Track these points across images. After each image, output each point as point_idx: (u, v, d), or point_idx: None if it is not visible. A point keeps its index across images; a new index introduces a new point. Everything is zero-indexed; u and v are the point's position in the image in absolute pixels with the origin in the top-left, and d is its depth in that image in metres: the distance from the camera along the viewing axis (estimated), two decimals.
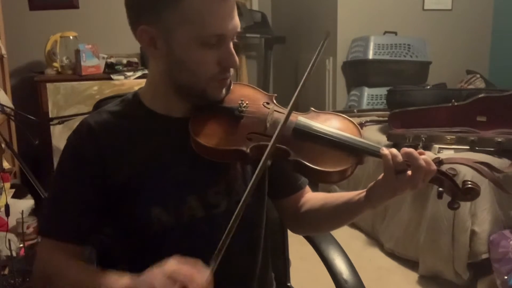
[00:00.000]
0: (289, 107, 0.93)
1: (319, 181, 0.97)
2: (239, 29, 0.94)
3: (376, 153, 0.91)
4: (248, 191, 0.84)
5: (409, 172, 0.88)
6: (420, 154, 0.89)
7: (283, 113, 0.97)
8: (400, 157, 0.88)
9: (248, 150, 0.92)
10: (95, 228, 1.00)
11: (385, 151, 0.90)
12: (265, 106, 1.01)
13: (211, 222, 0.97)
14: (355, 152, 0.93)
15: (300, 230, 1.16)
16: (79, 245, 0.98)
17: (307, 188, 1.14)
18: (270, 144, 0.88)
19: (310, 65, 0.94)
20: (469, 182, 0.92)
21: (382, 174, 0.91)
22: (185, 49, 0.91)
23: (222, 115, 0.98)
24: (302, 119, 0.99)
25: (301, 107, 1.06)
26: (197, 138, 0.93)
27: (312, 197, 1.12)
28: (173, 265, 0.80)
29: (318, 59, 0.97)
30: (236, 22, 0.92)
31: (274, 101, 1.04)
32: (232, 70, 0.97)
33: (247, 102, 1.00)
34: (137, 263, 0.98)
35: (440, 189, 0.92)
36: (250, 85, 1.09)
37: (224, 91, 0.99)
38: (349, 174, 0.93)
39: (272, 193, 1.11)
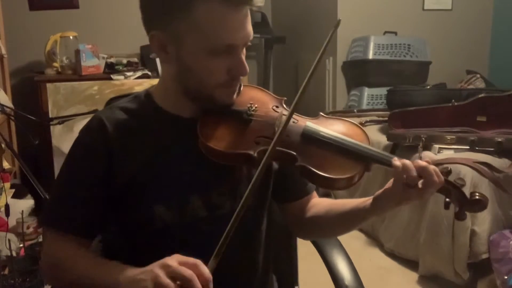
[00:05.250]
0: (291, 108, 0.92)
1: (326, 187, 0.96)
2: (251, 37, 0.94)
3: (387, 163, 0.91)
4: (246, 195, 0.84)
5: (419, 184, 0.87)
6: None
7: (293, 118, 0.97)
8: (413, 172, 0.87)
9: (255, 154, 0.92)
10: (101, 222, 1.01)
11: (397, 162, 0.89)
12: (274, 110, 1.01)
13: (214, 222, 0.97)
14: (362, 159, 0.93)
15: (304, 235, 1.16)
16: (85, 238, 1.00)
17: (314, 193, 1.13)
18: (270, 146, 0.87)
19: (316, 61, 0.95)
20: (477, 194, 0.91)
21: (390, 183, 0.91)
22: (194, 57, 0.92)
23: (231, 118, 0.98)
24: (310, 124, 0.98)
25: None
26: (205, 140, 0.94)
27: (317, 203, 1.11)
28: (176, 261, 0.80)
29: (324, 53, 0.96)
30: (248, 31, 0.93)
31: (284, 105, 1.04)
32: (241, 78, 0.98)
33: (256, 105, 1.00)
34: (140, 260, 0.98)
35: (447, 199, 0.91)
36: (260, 88, 1.08)
37: (235, 95, 0.99)
38: (356, 181, 0.93)
39: (278, 197, 1.11)
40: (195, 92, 0.97)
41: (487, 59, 4.06)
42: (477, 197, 0.91)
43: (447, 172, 0.91)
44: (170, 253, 0.96)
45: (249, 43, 0.96)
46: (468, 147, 2.46)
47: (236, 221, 0.83)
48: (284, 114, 0.99)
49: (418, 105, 2.75)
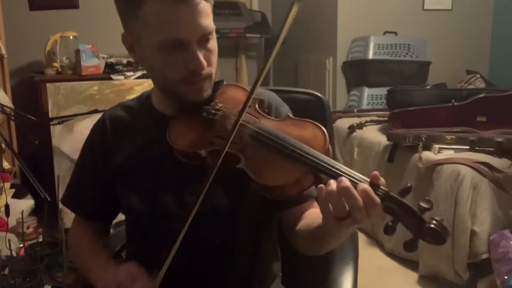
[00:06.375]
0: (241, 111, 0.88)
1: (266, 194, 0.86)
2: (206, 31, 0.92)
3: (331, 175, 0.79)
4: (202, 195, 0.85)
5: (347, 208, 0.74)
6: (374, 179, 0.76)
7: (255, 117, 0.94)
8: (334, 195, 0.74)
9: (205, 154, 0.90)
10: (105, 209, 1.12)
11: (330, 184, 0.75)
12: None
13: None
14: (307, 167, 0.83)
15: (296, 246, 1.04)
16: (90, 220, 1.14)
17: (313, 203, 1.04)
18: (225, 149, 0.85)
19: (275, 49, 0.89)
20: (435, 221, 0.73)
21: None
22: (151, 54, 0.94)
23: (196, 117, 0.98)
24: (263, 125, 0.92)
25: None
26: (169, 138, 0.96)
27: (309, 214, 1.02)
28: (123, 275, 0.89)
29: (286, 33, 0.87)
30: (199, 25, 0.91)
31: (257, 106, 0.98)
32: (207, 72, 0.95)
33: (222, 104, 0.98)
34: (131, 246, 1.12)
35: (390, 223, 0.75)
36: (242, 87, 1.06)
37: (205, 93, 0.97)
38: (300, 190, 0.84)
39: (271, 204, 1.02)
40: (162, 89, 1.01)
41: (487, 59, 4.06)
42: (432, 225, 0.72)
43: (404, 190, 0.76)
44: (146, 242, 1.03)
45: (210, 37, 0.94)
46: (468, 147, 2.46)
47: (183, 227, 0.84)
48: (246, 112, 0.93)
49: (418, 105, 2.75)
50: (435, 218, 0.74)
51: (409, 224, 0.75)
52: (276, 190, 0.84)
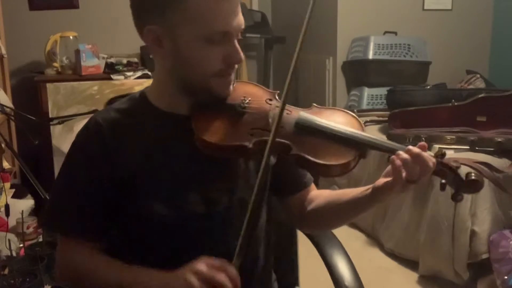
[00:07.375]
0: (282, 99, 0.93)
1: (321, 174, 0.99)
2: (243, 26, 0.96)
3: (387, 150, 0.93)
4: (257, 186, 0.87)
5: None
6: (422, 147, 0.90)
7: (286, 109, 0.98)
8: (411, 161, 0.88)
9: (251, 145, 0.93)
10: (105, 224, 1.00)
11: (398, 159, 0.89)
12: (267, 103, 1.02)
13: (212, 218, 0.97)
14: (357, 146, 0.94)
15: (306, 228, 1.17)
16: (92, 241, 1.00)
17: (313, 186, 1.15)
18: (271, 137, 0.89)
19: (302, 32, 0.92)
20: (473, 174, 0.92)
21: (388, 173, 0.93)
22: (191, 47, 0.92)
23: (225, 112, 0.99)
24: (304, 114, 1.00)
25: (301, 106, 1.05)
26: (200, 134, 0.94)
27: (317, 195, 1.12)
28: (205, 265, 0.84)
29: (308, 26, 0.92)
30: (240, 19, 0.95)
31: (277, 98, 1.05)
32: (236, 67, 0.98)
33: (249, 98, 1.01)
34: (141, 257, 0.98)
35: (443, 181, 0.93)
36: (253, 83, 1.10)
37: (231, 87, 1.00)
38: (352, 167, 0.94)
39: (278, 191, 1.12)
40: (191, 85, 0.97)
41: (487, 59, 4.06)
42: (473, 177, 0.92)
43: (442, 155, 0.94)
44: (169, 249, 0.97)
45: (241, 36, 0.98)
46: (468, 147, 2.46)
47: (251, 218, 0.86)
48: (277, 106, 0.99)
49: (418, 105, 2.75)
50: (472, 172, 0.93)
51: (452, 181, 0.93)
52: (333, 168, 0.93)
